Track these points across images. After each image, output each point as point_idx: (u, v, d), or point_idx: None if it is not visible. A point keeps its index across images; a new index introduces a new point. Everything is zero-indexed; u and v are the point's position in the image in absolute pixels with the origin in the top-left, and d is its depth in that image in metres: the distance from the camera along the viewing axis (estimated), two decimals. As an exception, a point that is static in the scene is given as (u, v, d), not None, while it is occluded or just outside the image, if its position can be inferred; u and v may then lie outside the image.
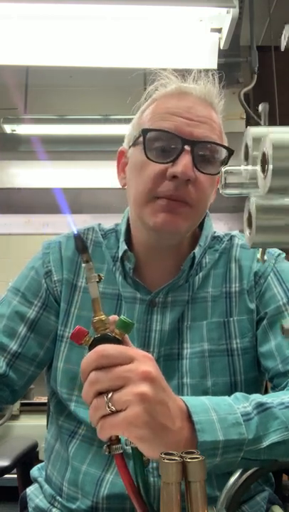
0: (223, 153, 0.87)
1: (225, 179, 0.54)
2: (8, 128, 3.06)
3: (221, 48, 1.94)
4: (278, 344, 0.84)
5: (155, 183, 0.84)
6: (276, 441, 0.67)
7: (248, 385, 0.87)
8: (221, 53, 2.00)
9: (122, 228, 0.96)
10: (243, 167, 0.51)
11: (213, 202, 0.95)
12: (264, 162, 0.44)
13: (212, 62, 1.97)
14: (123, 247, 0.93)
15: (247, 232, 0.49)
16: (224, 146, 0.87)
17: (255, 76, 2.63)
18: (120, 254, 0.93)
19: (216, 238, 0.98)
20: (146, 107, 0.91)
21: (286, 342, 0.84)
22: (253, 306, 0.90)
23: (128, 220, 0.96)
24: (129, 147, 0.92)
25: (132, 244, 0.95)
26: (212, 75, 0.92)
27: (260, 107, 0.48)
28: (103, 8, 1.77)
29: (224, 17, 1.78)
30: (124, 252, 0.93)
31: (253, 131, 0.48)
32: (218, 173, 0.86)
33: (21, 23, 1.84)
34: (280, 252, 0.97)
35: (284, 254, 0.97)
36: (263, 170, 0.44)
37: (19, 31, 1.87)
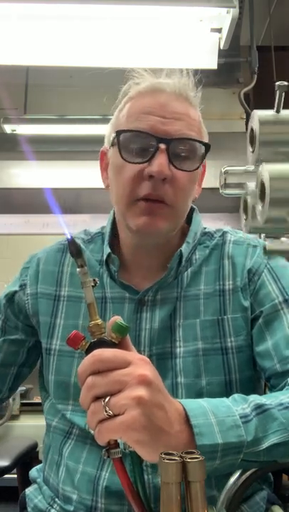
0: (201, 148, 0.86)
1: (225, 179, 0.54)
2: (8, 128, 3.06)
3: (221, 48, 1.94)
4: (275, 343, 0.84)
5: (134, 185, 0.84)
6: (275, 443, 0.67)
7: (243, 383, 0.86)
8: (221, 53, 2.00)
9: (107, 230, 0.96)
10: (242, 167, 0.51)
11: (197, 196, 0.94)
12: (252, 137, 0.47)
13: (212, 62, 1.97)
14: (107, 250, 0.93)
15: (259, 206, 0.47)
16: (200, 142, 0.86)
17: (255, 76, 2.63)
18: (105, 257, 0.93)
19: (206, 234, 0.97)
20: (122, 106, 0.91)
21: (283, 341, 0.83)
22: (247, 303, 0.88)
23: (114, 220, 0.96)
24: (110, 147, 0.92)
25: (118, 245, 0.95)
26: (187, 72, 0.92)
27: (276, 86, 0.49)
28: (103, 8, 1.77)
29: (224, 17, 1.78)
30: (108, 255, 0.92)
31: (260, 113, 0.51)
32: (197, 168, 0.86)
33: (21, 23, 1.83)
34: None
35: None
36: (252, 144, 0.47)
37: (19, 31, 1.87)
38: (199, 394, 0.81)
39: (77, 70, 2.03)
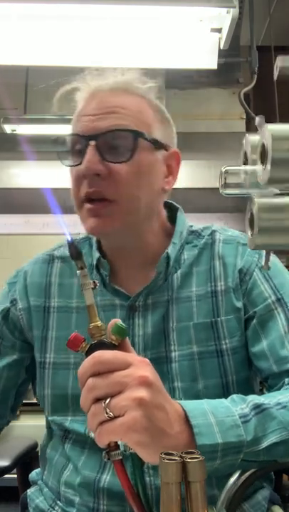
0: (132, 136, 0.83)
1: (225, 179, 0.54)
2: (8, 128, 3.06)
3: (221, 48, 1.93)
4: (271, 344, 0.83)
5: (77, 188, 0.85)
6: (275, 442, 0.67)
7: (240, 385, 0.86)
8: (221, 53, 1.99)
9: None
10: (242, 167, 0.51)
11: (168, 188, 0.90)
12: (263, 153, 0.45)
13: (212, 62, 1.97)
14: (96, 255, 0.92)
15: (249, 233, 0.49)
16: (126, 130, 0.83)
17: (255, 76, 2.63)
18: (95, 262, 0.92)
19: (193, 233, 0.95)
20: None
21: (278, 341, 0.83)
22: (239, 304, 0.88)
23: None
24: None
25: (103, 251, 0.93)
26: (134, 69, 0.91)
27: (257, 120, 0.47)
28: (103, 8, 1.77)
29: (224, 17, 1.77)
30: (98, 259, 0.91)
31: (252, 138, 0.49)
32: (131, 157, 0.82)
33: (21, 23, 1.83)
34: None
35: None
36: (263, 161, 0.45)
37: (19, 31, 1.87)
38: (196, 397, 0.81)
39: (77, 70, 2.03)
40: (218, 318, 0.87)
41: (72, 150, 0.86)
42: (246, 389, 0.86)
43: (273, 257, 0.92)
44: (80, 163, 0.82)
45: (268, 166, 0.43)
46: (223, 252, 0.91)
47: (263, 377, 0.86)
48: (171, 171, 0.91)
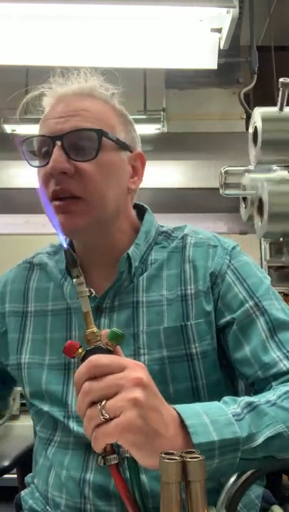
0: (94, 135, 0.84)
1: (225, 179, 0.54)
2: (8, 128, 3.06)
3: (221, 48, 1.94)
4: (253, 350, 0.83)
5: (44, 187, 0.85)
6: (270, 436, 0.68)
7: (211, 388, 0.86)
8: (221, 53, 2.00)
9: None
10: (242, 167, 0.51)
11: (134, 187, 0.91)
12: (255, 136, 0.45)
13: (212, 62, 1.97)
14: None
15: (258, 221, 0.49)
16: (88, 129, 0.84)
17: (255, 76, 2.63)
18: (64, 266, 0.93)
19: (163, 233, 0.95)
20: None
21: (260, 347, 0.82)
22: (209, 308, 0.87)
23: None
24: None
25: (75, 252, 0.93)
26: (95, 70, 0.93)
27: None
28: (103, 8, 1.77)
29: (224, 17, 1.78)
30: (66, 262, 0.92)
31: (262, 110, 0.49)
32: (95, 157, 0.83)
33: (21, 23, 1.83)
34: (235, 244, 0.94)
35: (239, 246, 0.93)
36: (255, 143, 0.46)
37: (19, 31, 1.87)
38: (167, 401, 0.81)
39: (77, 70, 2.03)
40: (188, 322, 0.86)
41: (39, 152, 0.87)
42: (217, 392, 0.84)
43: (245, 255, 0.92)
44: (47, 164, 0.83)
45: (259, 146, 0.44)
46: (194, 256, 0.91)
47: (248, 382, 0.85)
48: (136, 172, 0.93)
